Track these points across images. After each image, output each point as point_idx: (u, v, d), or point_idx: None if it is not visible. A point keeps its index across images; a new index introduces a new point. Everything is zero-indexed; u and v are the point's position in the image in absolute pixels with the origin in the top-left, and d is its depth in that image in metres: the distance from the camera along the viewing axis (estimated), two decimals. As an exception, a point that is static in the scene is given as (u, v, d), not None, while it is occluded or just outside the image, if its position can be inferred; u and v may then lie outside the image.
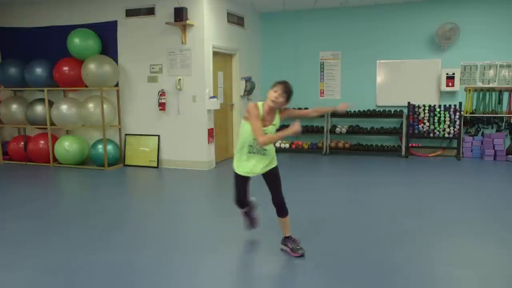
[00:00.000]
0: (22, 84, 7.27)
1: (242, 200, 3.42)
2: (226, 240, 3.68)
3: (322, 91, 8.46)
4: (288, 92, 3.11)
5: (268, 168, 3.26)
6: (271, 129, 3.18)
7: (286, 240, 3.36)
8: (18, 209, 4.72)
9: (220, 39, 7.01)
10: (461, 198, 5.02)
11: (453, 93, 7.71)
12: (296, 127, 3.01)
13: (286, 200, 3.32)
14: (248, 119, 3.09)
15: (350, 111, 8.08)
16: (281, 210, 3.30)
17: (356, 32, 8.11)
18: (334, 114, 8.17)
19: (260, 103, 3.17)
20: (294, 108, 3.38)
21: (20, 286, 2.92)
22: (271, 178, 3.28)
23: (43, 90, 7.09)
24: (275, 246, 3.44)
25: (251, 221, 3.65)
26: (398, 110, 7.90)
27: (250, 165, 3.23)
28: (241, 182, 3.33)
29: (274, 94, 3.08)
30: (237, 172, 3.30)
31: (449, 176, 6.30)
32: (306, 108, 8.28)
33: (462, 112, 7.53)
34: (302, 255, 3.25)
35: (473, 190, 5.42)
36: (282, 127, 3.19)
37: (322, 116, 8.20)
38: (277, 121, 3.21)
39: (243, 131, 3.19)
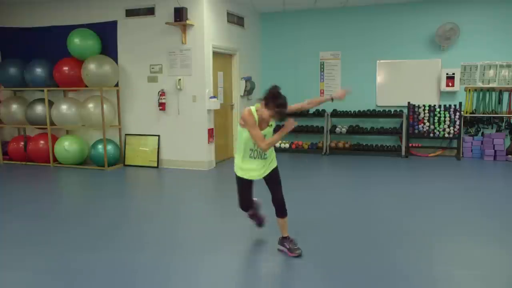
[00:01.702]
0: (22, 84, 7.27)
1: (247, 204, 3.42)
2: (226, 240, 3.68)
3: (322, 91, 8.45)
4: (281, 111, 3.02)
5: (268, 170, 3.27)
6: (268, 130, 3.19)
7: (284, 240, 3.35)
8: (18, 209, 4.72)
9: (220, 39, 7.01)
10: (461, 198, 5.02)
11: (453, 93, 7.71)
12: (291, 123, 3.05)
13: (286, 200, 3.32)
14: (246, 127, 3.10)
15: (350, 111, 8.08)
16: (281, 210, 3.30)
17: (356, 32, 8.11)
18: (334, 114, 8.18)
19: (253, 108, 3.15)
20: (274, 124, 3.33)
21: (20, 286, 2.92)
22: (271, 177, 3.29)
23: (43, 90, 7.09)
24: (274, 246, 3.43)
25: (259, 221, 3.65)
26: (398, 110, 7.90)
27: (252, 169, 3.24)
28: (245, 186, 3.33)
29: (268, 113, 3.04)
30: (239, 176, 3.30)
31: (449, 176, 6.30)
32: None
33: (462, 112, 7.53)
34: (299, 255, 3.25)
35: (473, 190, 5.42)
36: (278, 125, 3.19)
37: (321, 116, 8.20)
38: (273, 122, 3.22)
39: (242, 137, 3.18)
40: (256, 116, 3.11)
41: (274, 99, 3.03)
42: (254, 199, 3.57)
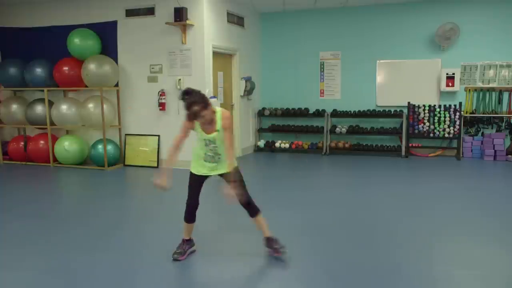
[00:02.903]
0: (22, 84, 7.27)
1: (193, 204, 3.30)
2: (226, 241, 3.67)
3: (322, 91, 8.45)
4: (199, 103, 2.96)
5: (220, 171, 3.18)
6: (216, 136, 3.09)
7: (267, 240, 3.25)
8: (18, 209, 4.72)
9: (220, 39, 7.01)
10: (461, 198, 5.02)
11: (453, 93, 7.71)
12: (229, 196, 2.95)
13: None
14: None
15: (350, 111, 8.09)
16: (250, 209, 3.19)
17: (356, 32, 8.11)
18: (334, 114, 8.18)
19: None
20: (230, 133, 3.11)
21: (20, 286, 2.92)
22: (230, 177, 3.11)
23: (43, 90, 7.09)
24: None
25: (182, 250, 3.30)
26: (398, 110, 7.90)
27: (202, 163, 3.23)
28: (195, 182, 3.29)
29: (201, 121, 3.01)
30: (191, 171, 3.27)
31: (449, 176, 6.30)
32: (305, 109, 8.31)
33: (462, 112, 7.53)
34: (284, 253, 3.18)
35: (473, 190, 5.42)
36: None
37: (321, 116, 8.20)
38: (219, 127, 3.07)
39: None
40: (197, 123, 3.11)
41: (185, 103, 3.04)
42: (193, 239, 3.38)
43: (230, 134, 3.07)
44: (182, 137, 3.18)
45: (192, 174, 3.29)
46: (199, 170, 3.25)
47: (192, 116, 3.01)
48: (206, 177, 3.27)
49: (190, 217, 3.30)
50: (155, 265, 3.17)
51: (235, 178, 3.06)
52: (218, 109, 3.11)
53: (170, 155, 3.19)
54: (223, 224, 4.15)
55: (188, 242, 3.34)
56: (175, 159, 3.24)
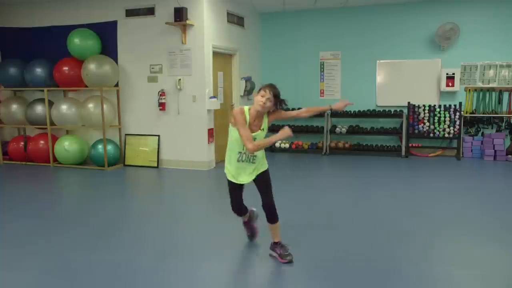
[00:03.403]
0: (22, 84, 7.27)
1: (237, 207, 3.32)
2: (226, 241, 3.67)
3: (322, 91, 8.45)
4: (276, 95, 3.02)
5: (255, 174, 3.17)
6: (260, 134, 3.10)
7: (275, 245, 3.25)
8: (18, 209, 4.72)
9: (220, 39, 7.01)
10: (461, 198, 5.02)
11: (453, 93, 7.71)
12: (286, 131, 2.96)
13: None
14: (236, 126, 3.00)
15: (350, 111, 8.08)
16: (271, 215, 3.17)
17: (356, 32, 8.11)
18: (334, 114, 8.18)
19: (246, 108, 3.08)
20: (284, 110, 3.23)
21: (20, 286, 2.92)
22: (260, 181, 3.18)
23: (43, 90, 7.09)
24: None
25: (251, 232, 3.57)
26: (398, 110, 7.90)
27: (239, 174, 3.16)
28: (234, 188, 3.25)
29: (261, 99, 2.98)
30: (227, 177, 3.23)
31: (449, 176, 6.30)
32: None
33: (462, 112, 7.53)
34: (290, 262, 3.15)
35: (473, 190, 5.42)
36: (275, 128, 3.14)
37: (321, 116, 8.20)
38: (265, 125, 3.13)
39: (232, 138, 3.11)
40: (248, 116, 3.05)
41: (267, 84, 3.07)
42: (253, 209, 3.50)
43: (286, 112, 3.24)
44: (249, 133, 3.04)
45: (229, 181, 3.24)
46: (236, 178, 3.18)
47: (265, 87, 3.03)
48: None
49: (238, 214, 3.40)
50: (155, 265, 3.16)
51: (267, 180, 3.20)
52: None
53: (263, 141, 3.09)
54: (217, 224, 4.14)
55: (249, 222, 3.51)
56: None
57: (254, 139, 3.02)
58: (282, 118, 3.23)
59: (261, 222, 3.50)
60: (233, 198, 3.28)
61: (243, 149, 3.08)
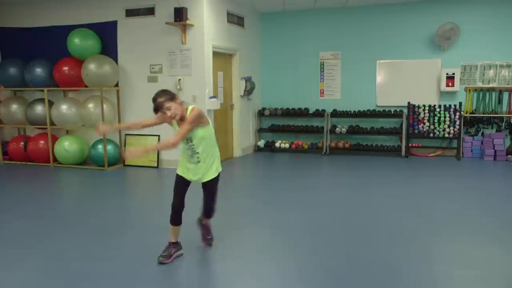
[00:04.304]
0: (22, 84, 7.27)
1: (178, 205, 3.20)
2: (226, 241, 3.67)
3: (322, 91, 8.45)
4: (164, 97, 2.96)
5: (205, 178, 3.18)
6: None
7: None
8: (18, 209, 4.72)
9: (220, 39, 7.01)
10: (461, 198, 5.02)
11: (453, 93, 7.71)
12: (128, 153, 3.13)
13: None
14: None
15: (350, 111, 8.09)
16: (208, 214, 3.40)
17: (356, 32, 8.11)
18: (334, 114, 8.18)
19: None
20: (187, 125, 3.02)
21: (20, 286, 2.92)
22: (207, 186, 3.23)
23: (43, 90, 7.09)
24: (275, 249, 3.43)
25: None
26: (398, 110, 7.90)
27: (187, 167, 3.18)
28: (180, 184, 3.22)
29: (169, 114, 2.96)
30: (177, 172, 3.24)
31: (449, 176, 6.30)
32: (305, 109, 8.30)
33: (462, 112, 7.53)
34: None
35: (473, 190, 5.42)
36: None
37: (321, 116, 8.20)
38: (174, 121, 3.13)
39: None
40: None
41: (154, 103, 3.02)
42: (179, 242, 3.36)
43: (186, 126, 2.97)
44: (148, 121, 3.19)
45: (177, 175, 3.25)
46: (183, 172, 3.21)
47: (156, 108, 2.98)
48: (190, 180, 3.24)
49: (175, 219, 3.23)
50: (155, 265, 3.16)
51: (213, 187, 3.24)
52: (191, 106, 3.08)
53: (128, 123, 3.15)
54: (217, 224, 4.15)
55: (175, 245, 3.29)
56: (128, 126, 3.55)
57: (190, 137, 3.09)
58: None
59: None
60: (177, 194, 3.21)
61: (187, 150, 3.14)
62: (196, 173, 3.16)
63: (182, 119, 3.02)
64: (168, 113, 2.96)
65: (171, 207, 3.21)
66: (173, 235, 3.28)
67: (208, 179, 3.18)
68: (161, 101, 2.95)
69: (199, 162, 3.13)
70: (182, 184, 3.21)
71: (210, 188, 3.25)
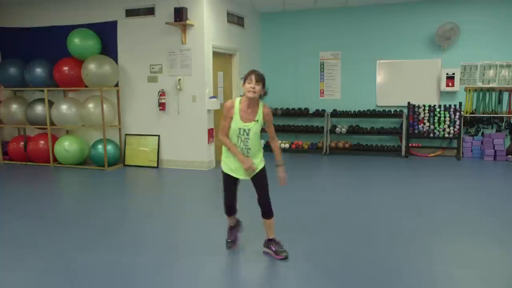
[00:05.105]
0: (22, 84, 7.27)
1: (230, 202, 3.27)
2: (223, 242, 3.66)
3: (322, 91, 8.46)
4: (261, 78, 3.05)
5: (253, 172, 3.17)
6: (253, 126, 3.08)
7: (270, 242, 3.28)
8: (18, 209, 4.72)
9: (220, 39, 7.01)
10: (461, 198, 5.02)
11: (453, 93, 7.71)
12: (248, 164, 3.07)
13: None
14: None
15: (350, 111, 8.10)
16: (266, 211, 3.22)
17: (356, 32, 8.11)
18: (334, 114, 8.19)
19: (238, 99, 3.13)
20: (274, 124, 3.27)
21: (20, 286, 2.92)
22: (257, 179, 3.20)
23: (43, 90, 7.09)
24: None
25: (234, 238, 3.48)
26: (398, 110, 7.90)
27: (236, 166, 3.16)
28: (229, 183, 3.23)
29: (249, 85, 3.01)
30: (224, 170, 3.23)
31: (449, 176, 6.30)
32: (305, 109, 8.31)
33: (462, 112, 7.53)
34: (285, 258, 3.19)
35: (473, 190, 5.42)
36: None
37: (321, 116, 8.21)
38: (260, 117, 3.10)
39: (230, 129, 3.15)
40: (238, 107, 3.08)
41: (250, 71, 3.09)
42: (238, 219, 3.46)
43: (273, 127, 3.20)
44: (226, 126, 3.14)
45: (224, 174, 3.24)
46: (231, 170, 3.19)
47: (248, 74, 3.04)
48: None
49: (229, 211, 3.35)
50: (155, 265, 3.16)
51: (264, 178, 3.21)
52: (261, 103, 3.15)
53: (229, 142, 3.15)
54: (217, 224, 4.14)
55: (234, 228, 3.47)
56: (230, 145, 3.19)
57: (249, 129, 3.07)
58: (266, 127, 3.21)
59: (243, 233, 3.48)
60: (228, 193, 3.26)
61: (238, 142, 3.11)
62: (241, 169, 3.15)
63: (249, 115, 3.07)
64: (250, 88, 2.99)
65: (224, 203, 3.31)
66: (231, 221, 3.45)
67: (260, 168, 3.19)
68: (257, 75, 3.03)
69: (248, 156, 3.15)
70: (230, 182, 3.24)
71: (260, 178, 3.20)
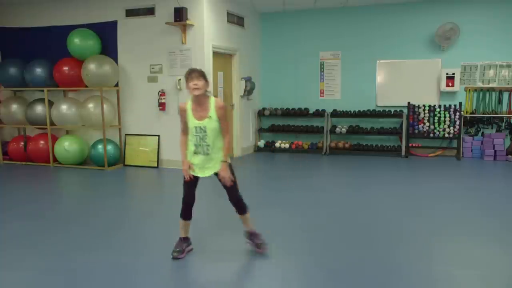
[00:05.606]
0: (22, 84, 7.27)
1: (189, 201, 3.26)
2: (226, 241, 3.67)
3: (322, 91, 8.46)
4: (201, 73, 3.03)
5: (214, 169, 3.19)
6: (208, 122, 3.06)
7: (251, 236, 3.36)
8: (18, 209, 4.72)
9: (220, 39, 7.01)
10: (461, 198, 5.02)
11: (453, 93, 7.71)
12: (184, 168, 3.17)
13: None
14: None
15: (350, 111, 8.10)
16: (238, 208, 3.28)
17: (356, 32, 8.11)
18: (334, 114, 8.19)
19: (189, 101, 3.14)
20: (227, 121, 3.19)
21: (20, 286, 2.92)
22: (221, 180, 3.23)
23: (43, 90, 7.09)
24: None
25: (181, 249, 3.31)
26: (398, 110, 7.90)
27: (195, 165, 3.19)
28: (189, 183, 3.25)
29: (191, 83, 3.00)
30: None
31: (449, 176, 6.30)
32: (305, 109, 8.31)
33: (462, 112, 7.53)
34: (265, 249, 3.29)
35: (473, 190, 5.42)
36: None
37: (321, 116, 8.21)
38: (212, 113, 3.07)
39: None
40: (190, 107, 3.10)
41: (189, 70, 3.07)
42: (189, 238, 3.37)
43: (226, 122, 3.14)
44: (184, 130, 3.19)
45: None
46: (193, 170, 3.24)
47: (187, 74, 3.03)
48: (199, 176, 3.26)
49: (186, 214, 3.30)
50: (155, 265, 3.16)
51: (229, 173, 3.18)
52: (213, 97, 3.14)
53: (182, 142, 3.23)
54: (222, 221, 4.14)
55: (186, 240, 3.34)
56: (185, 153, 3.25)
57: (205, 127, 3.07)
58: (219, 121, 3.13)
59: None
60: (186, 193, 3.26)
61: (197, 140, 3.12)
62: (206, 167, 3.18)
63: (201, 112, 3.06)
64: (194, 87, 2.98)
65: (182, 203, 3.28)
66: (183, 231, 3.33)
67: (218, 168, 3.18)
68: (196, 73, 3.01)
69: (209, 155, 3.15)
70: (190, 181, 3.25)
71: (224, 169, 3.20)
